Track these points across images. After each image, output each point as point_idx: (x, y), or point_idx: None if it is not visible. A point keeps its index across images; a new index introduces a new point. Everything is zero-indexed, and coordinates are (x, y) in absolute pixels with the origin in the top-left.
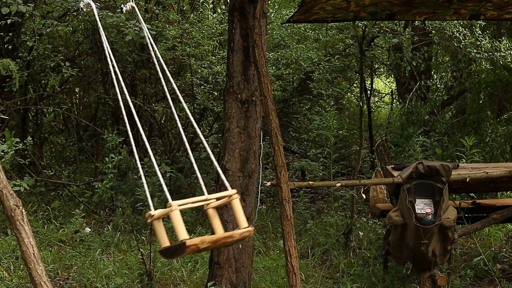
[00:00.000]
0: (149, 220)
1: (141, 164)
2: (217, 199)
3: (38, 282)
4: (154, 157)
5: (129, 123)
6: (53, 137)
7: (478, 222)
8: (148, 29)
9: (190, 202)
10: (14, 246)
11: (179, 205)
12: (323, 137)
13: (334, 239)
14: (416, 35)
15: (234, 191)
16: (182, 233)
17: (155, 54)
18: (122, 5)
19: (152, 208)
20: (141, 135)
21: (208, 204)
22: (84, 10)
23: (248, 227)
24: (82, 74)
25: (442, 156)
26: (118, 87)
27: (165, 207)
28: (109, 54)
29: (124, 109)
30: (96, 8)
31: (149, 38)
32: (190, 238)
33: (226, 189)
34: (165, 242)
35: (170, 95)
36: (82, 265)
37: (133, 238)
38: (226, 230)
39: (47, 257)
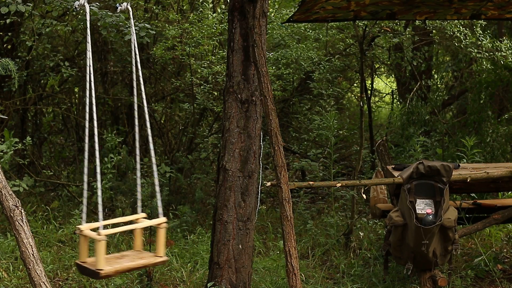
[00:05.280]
0: (76, 232)
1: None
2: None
3: (37, 282)
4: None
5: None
6: (52, 137)
7: (479, 222)
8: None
9: (120, 222)
10: (13, 247)
11: (106, 234)
12: (323, 137)
13: (335, 240)
14: (416, 35)
15: (164, 219)
16: (101, 263)
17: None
18: (118, 4)
19: (84, 221)
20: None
21: (135, 228)
22: (78, 9)
23: (163, 257)
24: (82, 74)
25: (442, 156)
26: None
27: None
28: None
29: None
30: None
31: (134, 46)
32: (105, 270)
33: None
34: (84, 257)
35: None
36: None
37: (133, 239)
38: (225, 231)
39: (47, 257)
